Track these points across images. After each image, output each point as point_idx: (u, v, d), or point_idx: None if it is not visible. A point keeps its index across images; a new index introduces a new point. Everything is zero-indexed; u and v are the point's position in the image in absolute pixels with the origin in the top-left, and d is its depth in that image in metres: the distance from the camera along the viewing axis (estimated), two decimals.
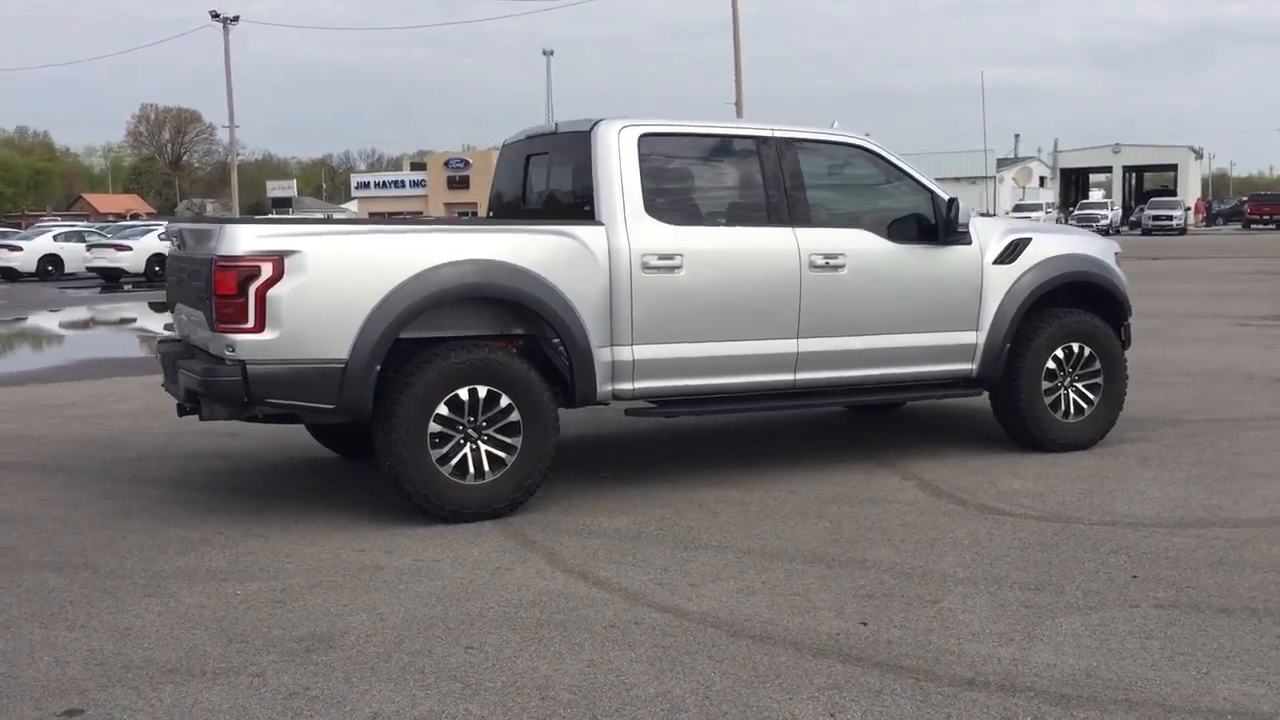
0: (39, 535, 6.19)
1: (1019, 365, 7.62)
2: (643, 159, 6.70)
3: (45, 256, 38.02)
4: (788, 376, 7.06)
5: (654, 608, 4.91)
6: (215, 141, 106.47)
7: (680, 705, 3.95)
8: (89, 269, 35.37)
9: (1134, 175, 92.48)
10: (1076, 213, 65.28)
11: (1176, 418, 8.95)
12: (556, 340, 6.46)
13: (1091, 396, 7.87)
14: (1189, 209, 69.87)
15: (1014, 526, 6.06)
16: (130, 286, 32.46)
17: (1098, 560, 5.46)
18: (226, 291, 5.83)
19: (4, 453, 8.52)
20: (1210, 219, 79.65)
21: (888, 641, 4.50)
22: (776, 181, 7.04)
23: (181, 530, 6.22)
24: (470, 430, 6.22)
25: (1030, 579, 5.22)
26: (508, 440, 6.29)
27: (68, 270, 37.73)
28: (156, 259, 31.68)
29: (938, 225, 7.36)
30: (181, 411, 6.68)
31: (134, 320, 22.18)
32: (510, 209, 7.82)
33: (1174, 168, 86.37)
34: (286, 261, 5.87)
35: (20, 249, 38.20)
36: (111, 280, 33.94)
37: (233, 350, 5.87)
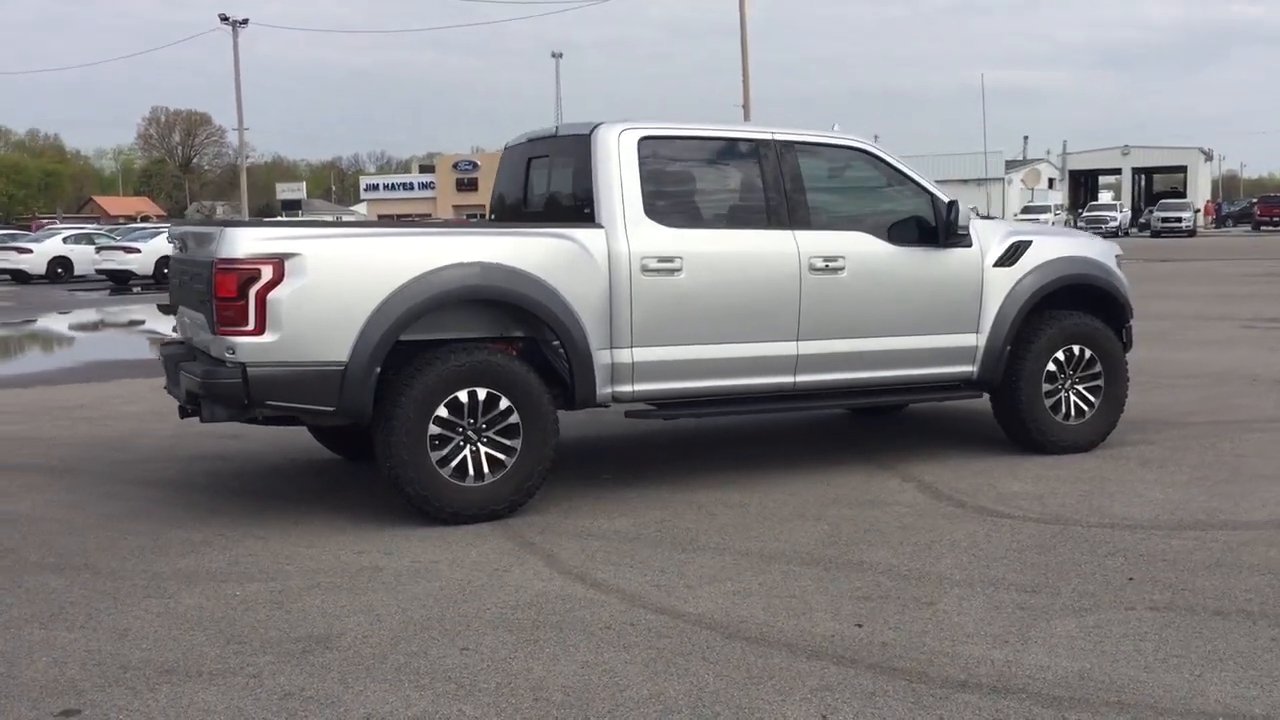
0: (42, 536, 6.23)
1: (1019, 367, 7.63)
2: (642, 162, 6.73)
3: (55, 259, 38.18)
4: (787, 379, 7.07)
5: (650, 609, 4.93)
6: (225, 144, 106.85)
7: (673, 706, 3.97)
8: (98, 271, 35.49)
9: (1143, 177, 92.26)
10: (1085, 214, 65.19)
11: (1179, 420, 8.94)
12: (556, 343, 6.48)
13: (1092, 399, 7.87)
14: (1198, 211, 69.66)
15: (1012, 529, 6.07)
16: (139, 289, 32.56)
17: (1095, 562, 5.47)
18: (227, 294, 5.86)
19: (11, 454, 8.57)
20: (1220, 221, 79.41)
21: (882, 643, 4.51)
22: (776, 184, 7.05)
23: (183, 532, 6.25)
24: (470, 432, 6.24)
25: (1027, 581, 5.22)
26: (507, 442, 6.32)
27: (77, 272, 37.88)
28: (165, 261, 31.48)
29: (938, 228, 7.38)
30: (183, 413, 6.71)
31: (142, 322, 22.26)
32: (512, 211, 7.84)
33: (1183, 169, 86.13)
34: (287, 264, 5.90)
35: (30, 251, 38.38)
36: (120, 282, 34.04)
37: (233, 353, 5.90)
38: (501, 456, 6.30)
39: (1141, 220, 70.28)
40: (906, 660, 4.34)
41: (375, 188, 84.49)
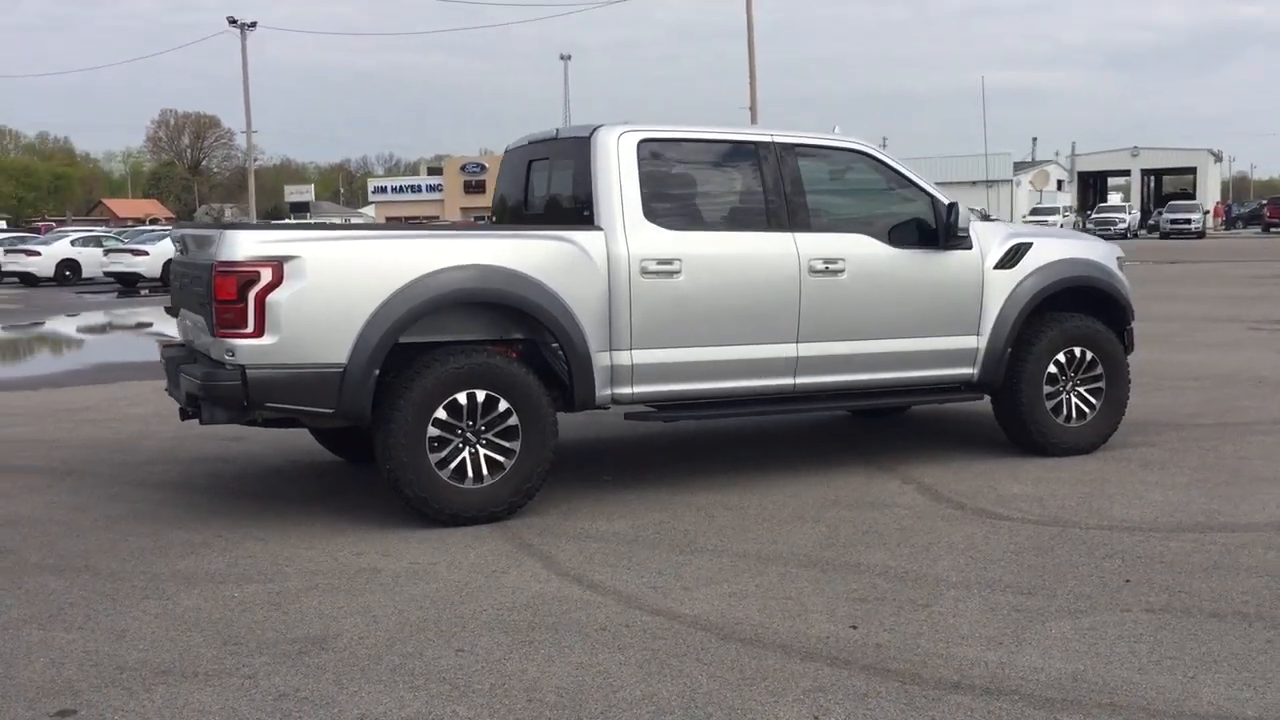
0: (43, 538, 6.26)
1: (1020, 370, 7.63)
2: (642, 164, 6.74)
3: (63, 261, 38.31)
4: (787, 381, 7.08)
5: (646, 611, 4.94)
6: (234, 146, 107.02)
7: (666, 707, 3.98)
8: (106, 274, 35.58)
9: (1153, 178, 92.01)
10: (1094, 216, 65.10)
11: (1182, 422, 8.93)
12: (555, 345, 6.49)
13: (1094, 401, 7.86)
14: (1207, 212, 69.48)
15: (1010, 531, 6.07)
16: (147, 291, 32.66)
17: (1092, 564, 5.46)
18: (226, 297, 5.89)
19: (15, 456, 8.61)
20: (1229, 222, 79.22)
21: (876, 645, 4.51)
22: (776, 186, 7.06)
23: (184, 533, 6.27)
24: (469, 434, 6.26)
25: (1023, 583, 5.22)
26: (506, 444, 6.33)
27: (85, 275, 37.99)
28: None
29: (938, 230, 7.38)
30: (184, 415, 6.74)
31: (150, 325, 22.32)
32: (513, 214, 7.87)
33: (1193, 171, 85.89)
34: (286, 267, 5.92)
35: (39, 254, 38.51)
36: (128, 285, 34.14)
37: (232, 355, 5.92)
38: (500, 458, 6.32)
39: (1150, 222, 70.14)
40: (900, 662, 4.34)
41: (383, 190, 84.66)
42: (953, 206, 7.36)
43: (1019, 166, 77.96)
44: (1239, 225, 78.29)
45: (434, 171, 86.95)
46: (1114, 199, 78.27)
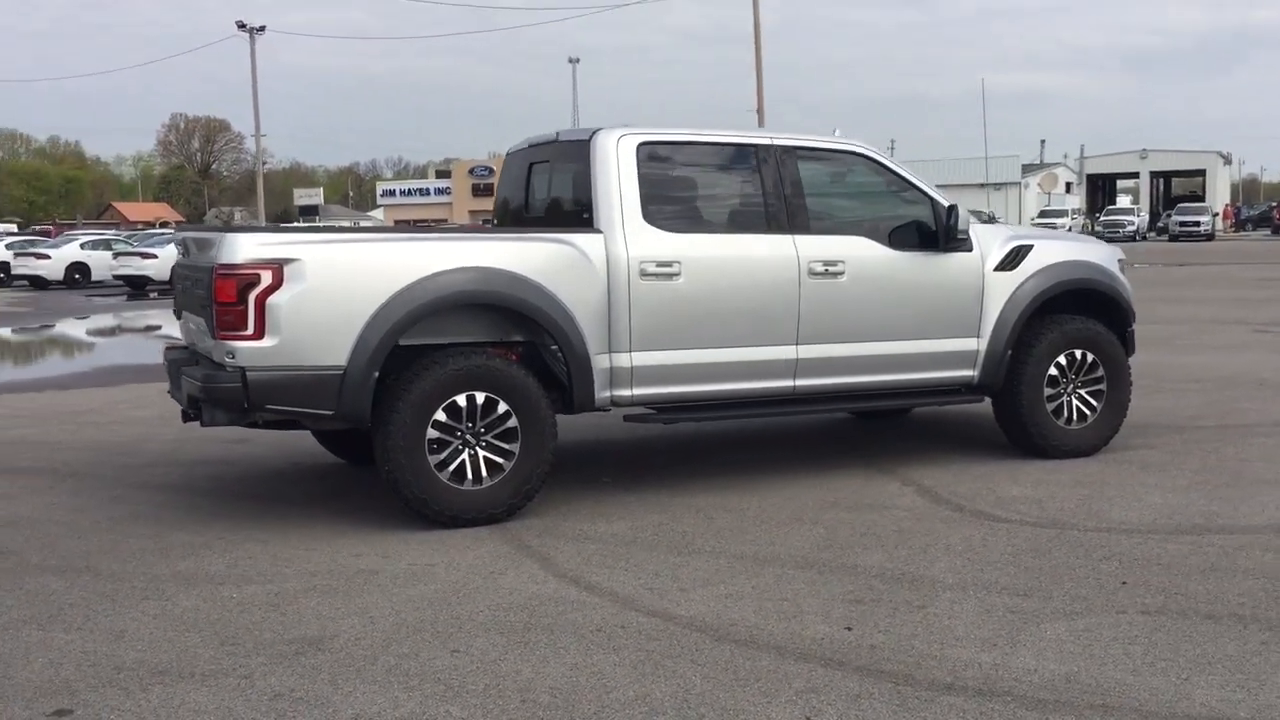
0: (44, 539, 6.29)
1: (1021, 372, 7.63)
2: (641, 167, 6.75)
3: (72, 264, 38.42)
4: (787, 383, 7.08)
5: (642, 612, 4.95)
6: (244, 150, 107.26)
7: (658, 708, 3.99)
8: (115, 276, 35.73)
9: (1162, 181, 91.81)
10: (1103, 218, 64.93)
11: (1184, 424, 8.92)
12: (555, 347, 6.51)
13: (1095, 403, 7.86)
14: (1217, 215, 69.29)
15: (1009, 533, 6.07)
16: (156, 294, 32.74)
17: (1089, 566, 5.47)
18: (227, 299, 5.92)
19: (19, 458, 8.65)
20: (1239, 224, 78.99)
21: (870, 646, 4.52)
22: (776, 189, 7.07)
23: (185, 535, 6.30)
24: (468, 436, 6.28)
25: (1019, 585, 5.23)
26: (505, 446, 6.35)
27: (95, 278, 38.09)
28: None
29: (938, 232, 7.38)
30: (185, 418, 6.76)
31: (158, 328, 22.38)
32: (515, 216, 7.89)
33: (1202, 173, 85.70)
34: (286, 269, 5.95)
35: (48, 257, 38.65)
36: (137, 288, 34.27)
37: (233, 357, 5.95)
38: (500, 460, 6.34)
39: (1159, 224, 69.99)
40: (894, 663, 4.35)
41: (392, 193, 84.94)
42: (953, 209, 7.37)
43: (1027, 169, 77.86)
44: (1249, 227, 78.02)
45: (442, 175, 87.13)
46: (1123, 201, 77.98)
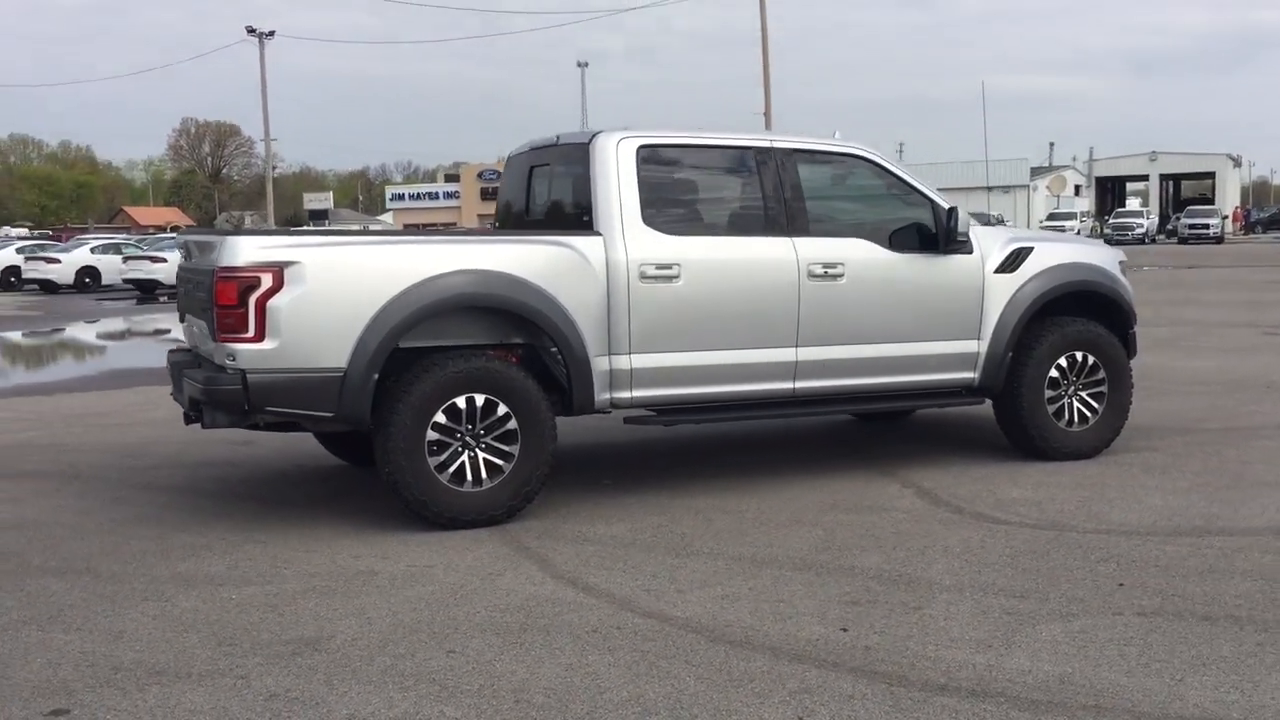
0: (47, 541, 6.33)
1: (1021, 374, 7.62)
2: (641, 170, 6.77)
3: (83, 269, 38.59)
4: (786, 385, 7.09)
5: (638, 613, 4.96)
6: (254, 154, 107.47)
7: (652, 709, 4.00)
8: (125, 280, 35.85)
9: (1171, 183, 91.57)
10: (1112, 221, 64.78)
11: (1187, 426, 8.91)
12: (554, 349, 6.53)
13: (1096, 405, 7.85)
14: (1226, 217, 69.09)
15: (1007, 535, 6.07)
16: (165, 298, 32.78)
17: (1086, 568, 5.47)
18: (227, 302, 5.95)
19: (25, 460, 8.69)
20: (1249, 227, 78.74)
21: (865, 647, 4.53)
22: (776, 192, 7.08)
23: (187, 536, 6.33)
24: (468, 438, 6.30)
25: (1017, 586, 5.23)
26: (505, 448, 6.37)
27: (105, 282, 38.24)
28: None
29: (938, 234, 7.39)
30: (188, 420, 6.79)
31: (167, 331, 22.45)
32: (516, 219, 7.92)
33: (1212, 175, 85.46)
34: (286, 272, 5.98)
35: (59, 261, 38.81)
36: (147, 292, 34.38)
37: (233, 359, 5.98)
38: (499, 462, 6.36)
39: (1169, 227, 69.78)
40: (888, 664, 4.36)
41: (401, 197, 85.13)
42: (952, 211, 7.37)
43: (1036, 172, 77.71)
44: (1258, 230, 77.79)
45: (451, 178, 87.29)
46: (1132, 204, 77.83)
